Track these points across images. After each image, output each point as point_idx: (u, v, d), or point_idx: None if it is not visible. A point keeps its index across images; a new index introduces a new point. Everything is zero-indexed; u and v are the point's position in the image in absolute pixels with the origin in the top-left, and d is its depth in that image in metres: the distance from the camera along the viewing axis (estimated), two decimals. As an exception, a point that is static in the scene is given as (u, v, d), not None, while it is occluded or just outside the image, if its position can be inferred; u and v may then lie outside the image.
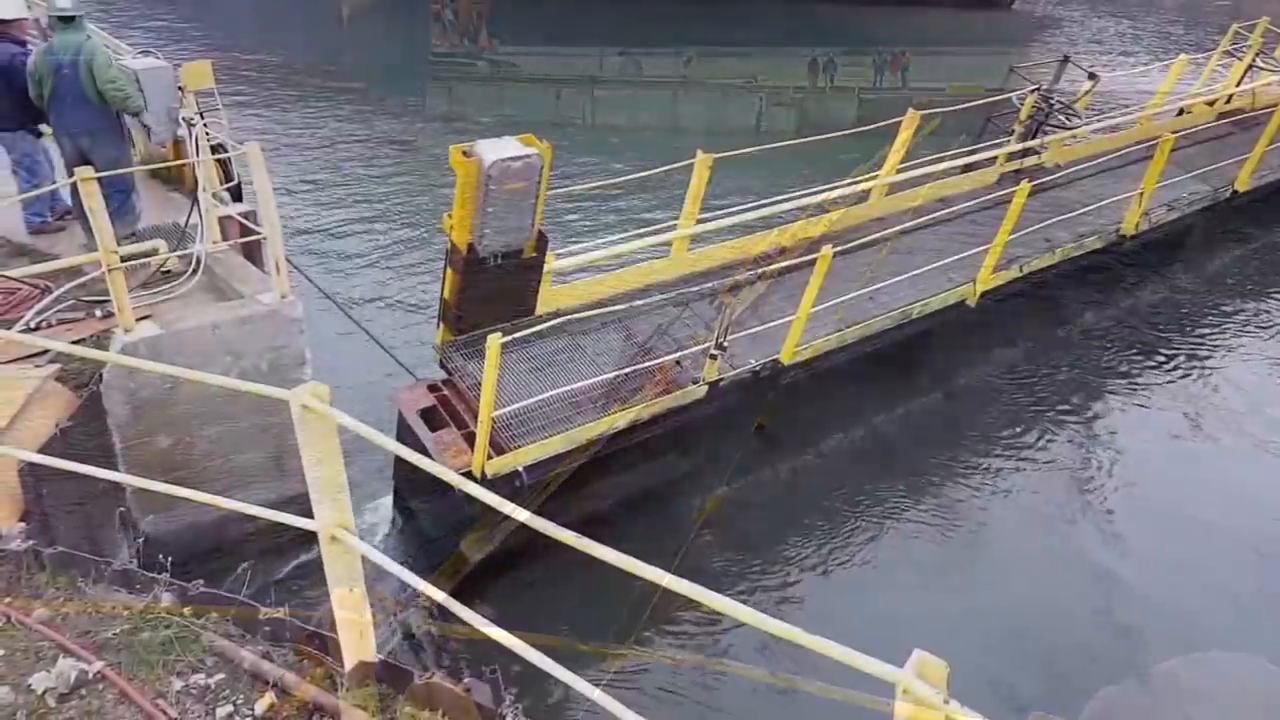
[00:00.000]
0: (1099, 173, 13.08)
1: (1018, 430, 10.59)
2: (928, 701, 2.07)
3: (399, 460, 7.70)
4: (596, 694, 2.75)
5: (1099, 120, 14.41)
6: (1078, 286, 13.17)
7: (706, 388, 8.12)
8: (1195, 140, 14.89)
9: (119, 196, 8.05)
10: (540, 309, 8.37)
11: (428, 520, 8.19)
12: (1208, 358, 12.29)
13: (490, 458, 7.02)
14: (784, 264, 9.15)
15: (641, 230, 9.62)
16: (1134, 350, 12.39)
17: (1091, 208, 11.55)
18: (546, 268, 8.13)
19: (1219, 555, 8.89)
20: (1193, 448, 10.53)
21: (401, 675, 3.71)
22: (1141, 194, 11.63)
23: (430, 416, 7.70)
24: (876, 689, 2.19)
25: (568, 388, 7.47)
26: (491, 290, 7.71)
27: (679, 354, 8.14)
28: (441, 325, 8.15)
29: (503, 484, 7.10)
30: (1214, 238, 14.67)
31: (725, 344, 7.76)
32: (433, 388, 7.98)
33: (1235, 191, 13.64)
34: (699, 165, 9.01)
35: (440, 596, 3.28)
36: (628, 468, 8.30)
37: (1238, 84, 16.30)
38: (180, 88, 8.18)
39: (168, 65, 8.05)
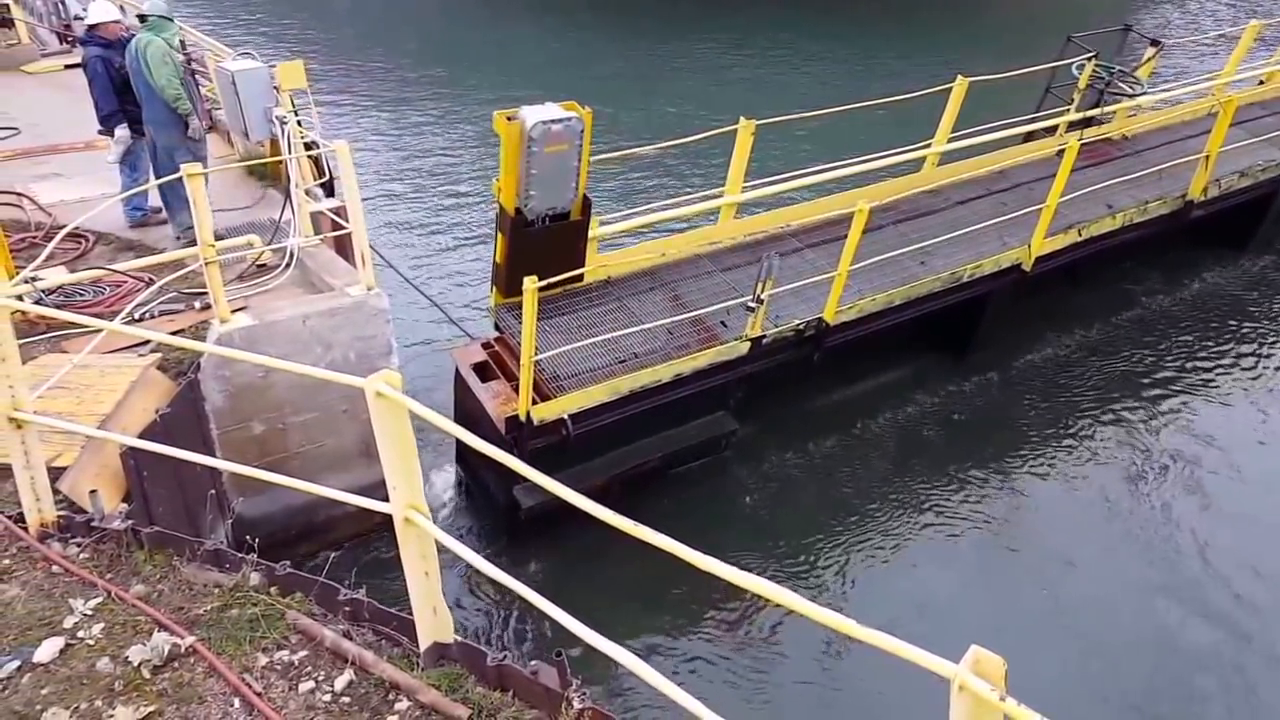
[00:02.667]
0: (1169, 142, 12.56)
1: (1077, 419, 10.25)
2: (984, 698, 2.02)
3: (459, 416, 8.21)
4: (659, 680, 2.76)
5: (1168, 89, 13.84)
6: (1146, 266, 12.76)
7: (749, 343, 8.22)
8: (1273, 110, 14.14)
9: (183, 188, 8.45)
10: (588, 275, 8.62)
11: (484, 470, 8.46)
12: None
13: (535, 404, 7.28)
14: (823, 219, 9.23)
15: (688, 197, 9.69)
16: (1204, 336, 11.85)
17: (1152, 170, 11.15)
18: (593, 233, 8.31)
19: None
20: (1266, 445, 9.99)
21: (475, 656, 3.79)
22: (1207, 157, 11.08)
23: (483, 370, 8.07)
24: (928, 683, 2.15)
25: (611, 335, 7.75)
26: (539, 252, 7.83)
27: (723, 304, 8.26)
28: (494, 288, 8.40)
29: (550, 431, 7.40)
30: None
31: (764, 297, 7.79)
32: (486, 345, 8.35)
33: (1318, 157, 12.85)
34: (742, 131, 8.98)
35: (510, 582, 3.33)
36: (673, 424, 8.49)
37: None
38: (275, 87, 8.48)
39: (264, 66, 8.34)
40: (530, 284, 6.42)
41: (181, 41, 8.46)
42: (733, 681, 7.20)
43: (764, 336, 8.29)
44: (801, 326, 8.60)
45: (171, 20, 8.24)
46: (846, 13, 28.72)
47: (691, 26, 26.98)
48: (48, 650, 3.90)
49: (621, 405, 7.80)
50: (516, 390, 7.41)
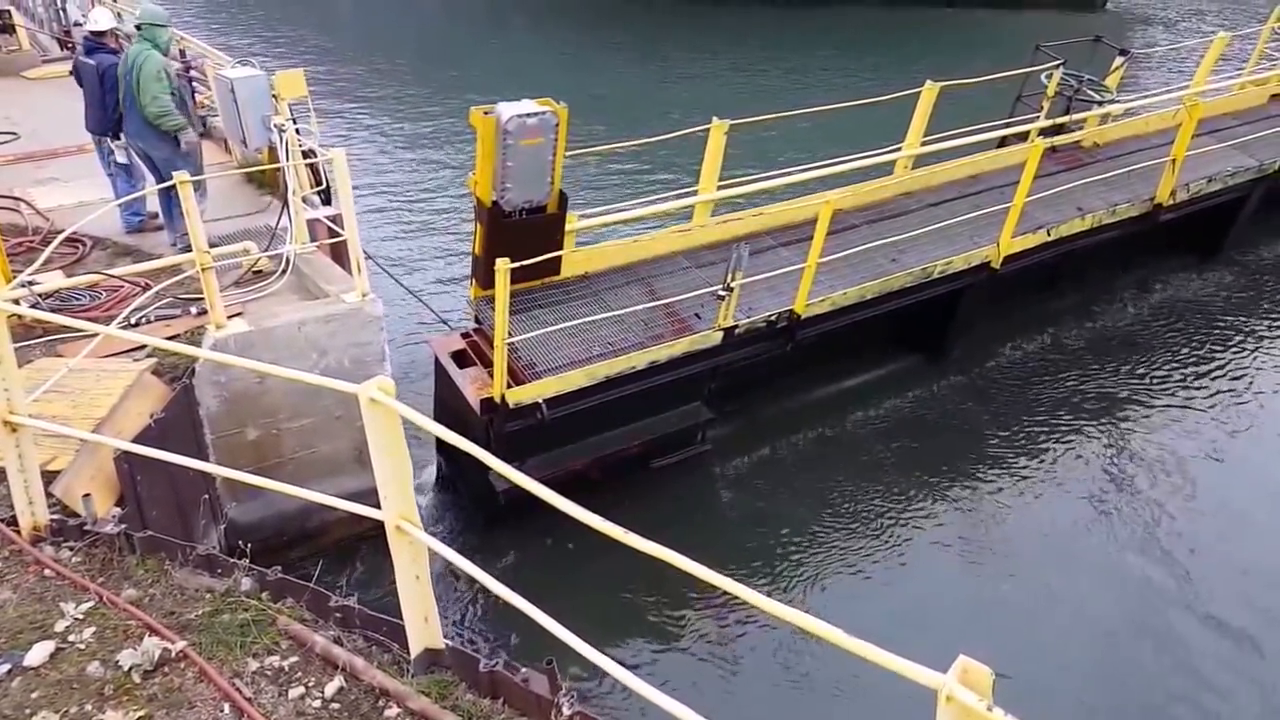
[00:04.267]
0: (1141, 150, 12.66)
1: (1053, 422, 10.30)
2: (971, 709, 2.02)
3: (438, 405, 8.58)
4: (648, 689, 2.78)
5: (1138, 98, 13.98)
6: (1121, 272, 12.94)
7: (721, 334, 8.32)
8: (1245, 120, 14.31)
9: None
10: (565, 270, 8.75)
11: (463, 456, 8.43)
12: (1254, 357, 11.75)
13: (511, 388, 7.38)
14: (797, 219, 9.39)
15: (664, 195, 9.77)
16: (1177, 340, 11.96)
17: (1120, 172, 11.28)
18: (570, 227, 8.42)
19: (1259, 565, 8.47)
20: (1233, 454, 9.98)
21: (466, 663, 3.80)
22: (1174, 161, 11.19)
23: (460, 358, 8.17)
24: (914, 685, 2.16)
25: (586, 320, 7.85)
26: (516, 243, 7.83)
27: (695, 294, 8.34)
28: (473, 281, 8.51)
29: (527, 414, 7.50)
30: (1266, 221, 14.08)
31: (733, 285, 7.87)
32: (465, 335, 8.47)
33: (1284, 163, 12.95)
34: (714, 130, 9.10)
35: (502, 590, 3.34)
36: (649, 413, 8.58)
37: None
38: (274, 95, 8.51)
39: (263, 74, 8.38)
40: (503, 264, 6.51)
41: (181, 50, 8.49)
42: (718, 682, 7.19)
43: (736, 327, 8.39)
44: (773, 318, 8.72)
45: (165, 26, 8.22)
46: (858, 29, 28.86)
47: (694, 37, 27.06)
48: (38, 654, 3.90)
49: (597, 391, 7.91)
50: (493, 375, 7.50)
